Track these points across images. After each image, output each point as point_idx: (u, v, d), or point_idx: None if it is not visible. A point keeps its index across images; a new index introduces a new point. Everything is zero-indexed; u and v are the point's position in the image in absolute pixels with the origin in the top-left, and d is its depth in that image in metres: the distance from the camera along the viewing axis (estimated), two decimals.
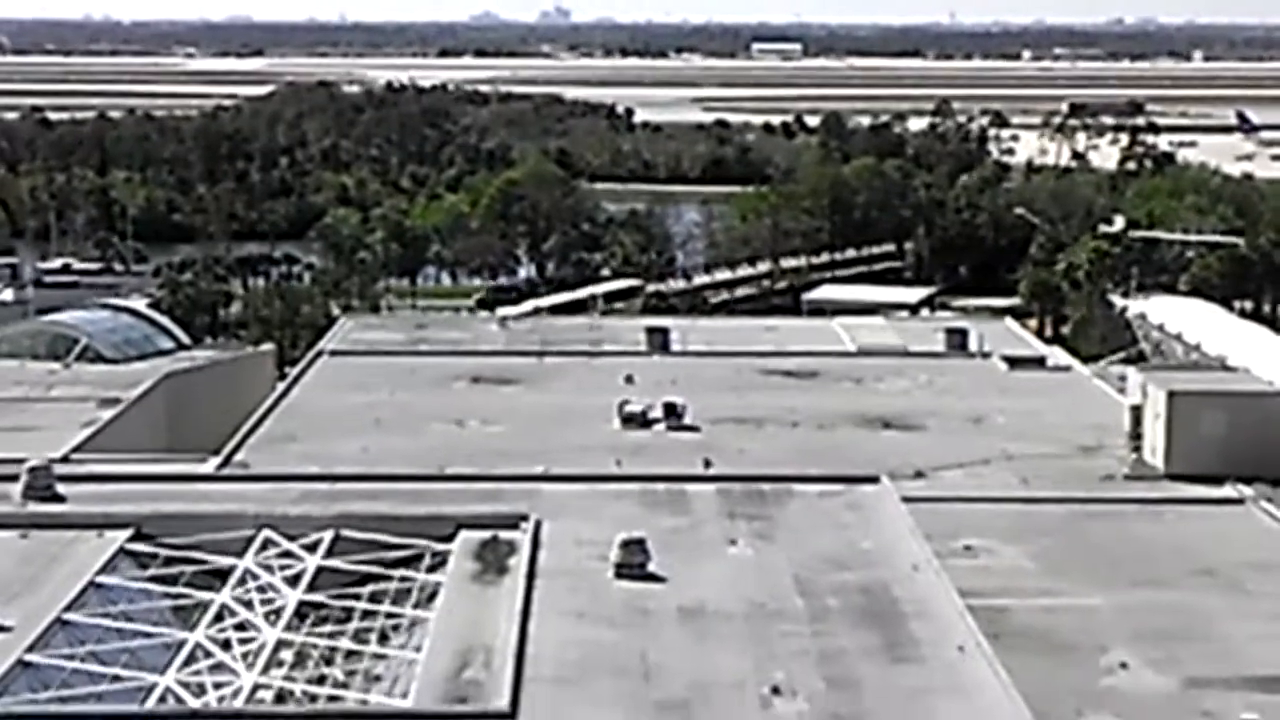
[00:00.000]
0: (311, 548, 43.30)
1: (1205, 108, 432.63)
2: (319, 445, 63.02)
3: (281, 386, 76.55)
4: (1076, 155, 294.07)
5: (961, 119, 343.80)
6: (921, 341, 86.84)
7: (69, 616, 38.84)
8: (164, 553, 43.55)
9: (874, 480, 49.08)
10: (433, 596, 40.22)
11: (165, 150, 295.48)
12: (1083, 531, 53.86)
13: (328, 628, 39.19)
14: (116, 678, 35.99)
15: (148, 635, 38.54)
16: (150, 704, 34.76)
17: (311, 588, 41.14)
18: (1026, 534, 52.79)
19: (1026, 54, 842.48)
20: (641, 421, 66.81)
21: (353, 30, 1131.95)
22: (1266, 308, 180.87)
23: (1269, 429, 60.30)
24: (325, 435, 65.24)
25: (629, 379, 74.47)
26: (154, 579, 42.42)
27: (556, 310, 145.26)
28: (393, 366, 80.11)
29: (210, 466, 57.56)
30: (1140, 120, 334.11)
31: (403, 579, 41.74)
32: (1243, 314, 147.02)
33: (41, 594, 39.90)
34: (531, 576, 40.43)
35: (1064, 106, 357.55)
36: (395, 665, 36.76)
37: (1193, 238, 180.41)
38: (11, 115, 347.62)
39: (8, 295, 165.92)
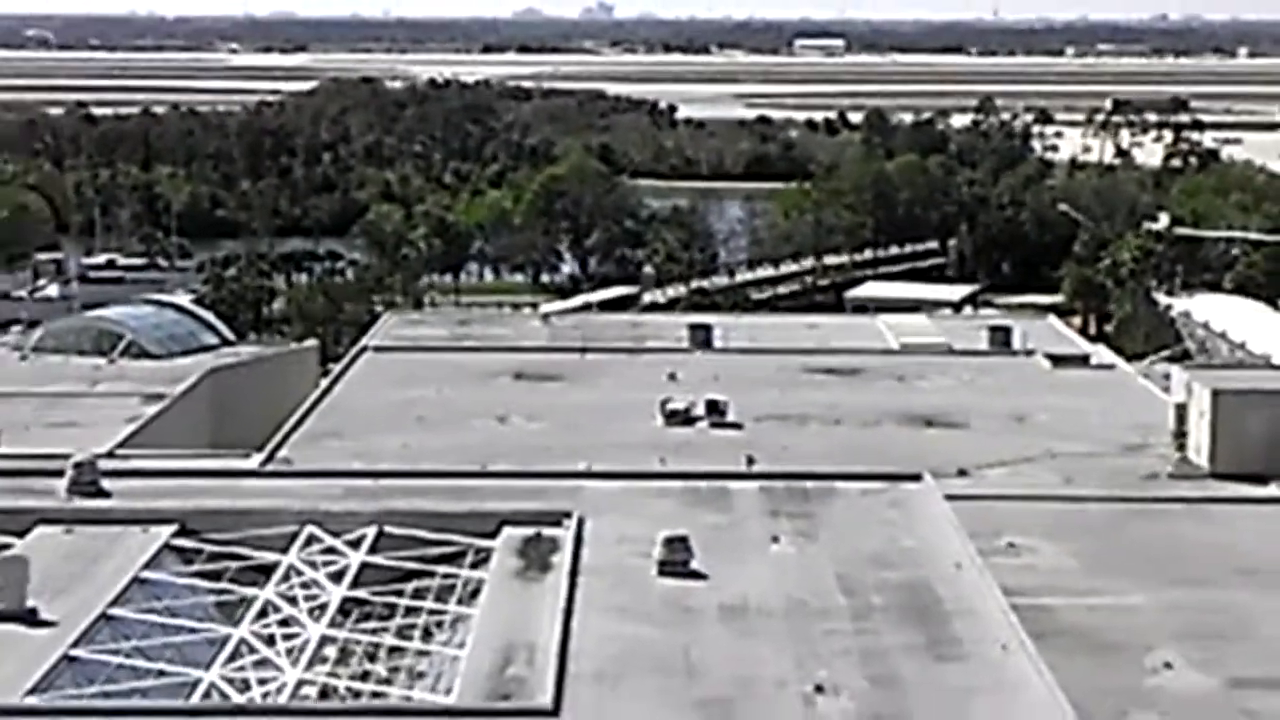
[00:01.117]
0: (355, 544, 43.45)
1: (1250, 105, 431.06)
2: (362, 442, 63.14)
3: (325, 383, 76.71)
4: (1120, 152, 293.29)
5: (1005, 116, 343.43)
6: (964, 339, 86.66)
7: (114, 612, 39.04)
8: (208, 548, 43.77)
9: (917, 478, 49.07)
10: (476, 593, 40.32)
11: (209, 146, 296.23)
12: (1126, 530, 53.73)
13: (371, 624, 39.32)
14: (161, 673, 36.16)
15: (192, 631, 38.73)
16: (195, 699, 34.93)
17: (355, 584, 41.30)
18: (1070, 533, 52.68)
19: (1070, 50, 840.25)
20: (684, 419, 66.78)
21: (396, 26, 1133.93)
22: None
23: None
24: (368, 431, 65.38)
25: (672, 376, 74.51)
26: (198, 574, 42.61)
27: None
28: (436, 363, 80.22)
29: (254, 462, 57.68)
30: (1185, 117, 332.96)
31: (446, 575, 41.86)
32: None
33: (87, 589, 40.11)
34: (574, 573, 40.50)
35: (1108, 103, 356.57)
36: (439, 662, 36.87)
37: (1238, 235, 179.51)
38: (56, 111, 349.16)
39: (53, 291, 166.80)
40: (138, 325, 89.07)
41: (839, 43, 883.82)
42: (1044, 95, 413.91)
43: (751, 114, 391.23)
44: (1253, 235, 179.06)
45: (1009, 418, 69.21)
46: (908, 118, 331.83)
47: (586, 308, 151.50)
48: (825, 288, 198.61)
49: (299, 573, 41.93)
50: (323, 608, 39.82)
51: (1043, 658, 35.20)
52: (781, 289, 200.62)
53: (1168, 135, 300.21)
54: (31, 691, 34.42)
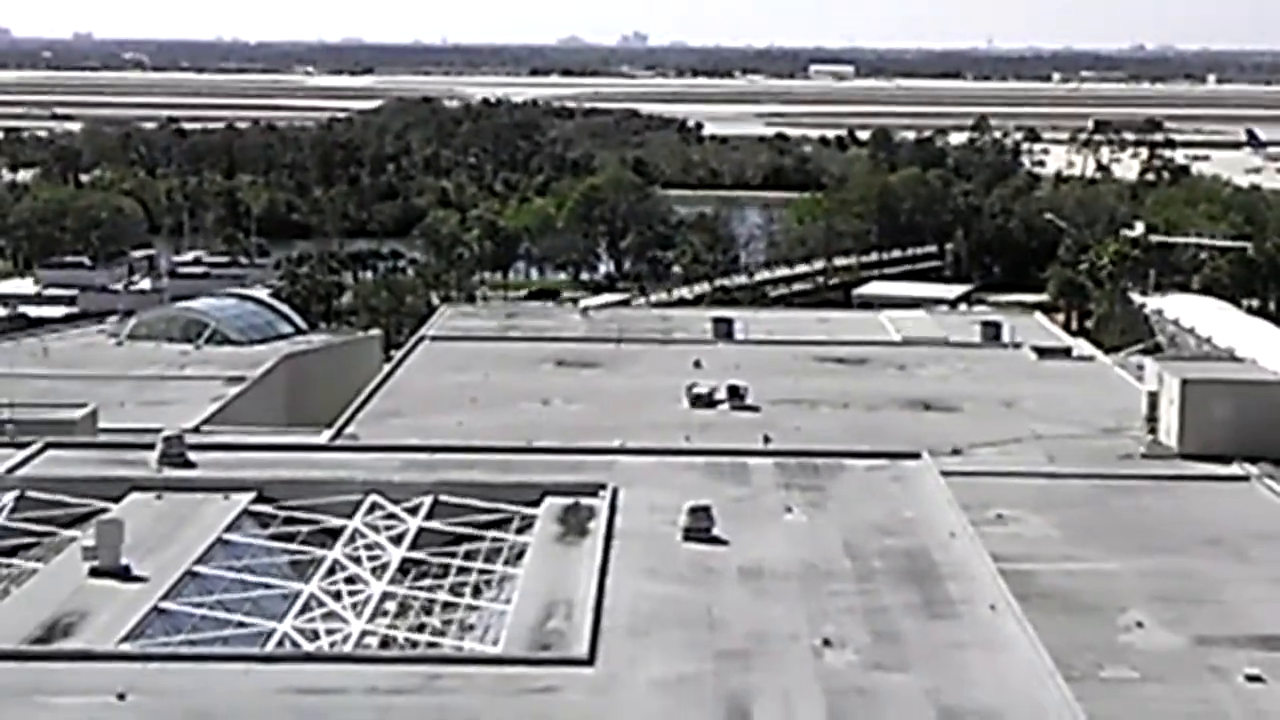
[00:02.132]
0: (413, 511, 43.53)
1: (1218, 125, 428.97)
2: (420, 420, 63.25)
3: (387, 368, 76.85)
4: (1101, 167, 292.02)
5: (997, 134, 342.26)
6: (959, 333, 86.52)
7: (198, 569, 39.18)
8: (282, 513, 43.89)
9: (916, 456, 49.03)
10: (521, 555, 40.37)
11: (286, 157, 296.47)
12: (1103, 504, 53.64)
13: (427, 582, 39.39)
14: (240, 624, 36.26)
15: (267, 587, 38.82)
16: (270, 647, 35.01)
17: (413, 546, 41.38)
18: (1052, 506, 52.61)
19: (1056, 76, 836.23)
20: (708, 402, 66.79)
21: (453, 51, 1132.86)
22: (1272, 305, 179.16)
23: (1273, 414, 60.02)
24: (426, 411, 65.48)
25: (697, 364, 74.51)
26: (273, 536, 42.74)
27: None
28: (486, 351, 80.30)
29: (324, 438, 57.83)
30: (1158, 136, 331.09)
31: (494, 539, 41.92)
32: (1250, 311, 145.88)
33: (174, 549, 40.26)
34: (609, 538, 40.54)
35: (1090, 123, 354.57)
36: (487, 616, 36.91)
37: (1205, 242, 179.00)
38: (150, 125, 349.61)
39: (146, 284, 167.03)
40: (221, 315, 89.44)
41: (849, 68, 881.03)
42: (1032, 116, 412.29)
43: (770, 131, 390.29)
44: (1219, 242, 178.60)
45: (998, 403, 69.12)
46: (910, 135, 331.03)
47: (582, 312, 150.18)
48: (834, 286, 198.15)
49: (363, 536, 42.02)
50: (384, 567, 39.90)
51: (1027, 617, 35.16)
52: (796, 287, 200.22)
53: (1143, 152, 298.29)
54: (125, 639, 34.55)
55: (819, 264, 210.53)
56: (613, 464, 47.55)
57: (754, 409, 66.26)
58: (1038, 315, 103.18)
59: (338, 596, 37.93)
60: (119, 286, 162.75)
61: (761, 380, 69.96)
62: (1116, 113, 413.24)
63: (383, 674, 32.13)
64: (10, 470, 46.82)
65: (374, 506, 43.87)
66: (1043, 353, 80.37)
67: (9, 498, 43.96)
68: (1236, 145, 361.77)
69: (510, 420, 63.65)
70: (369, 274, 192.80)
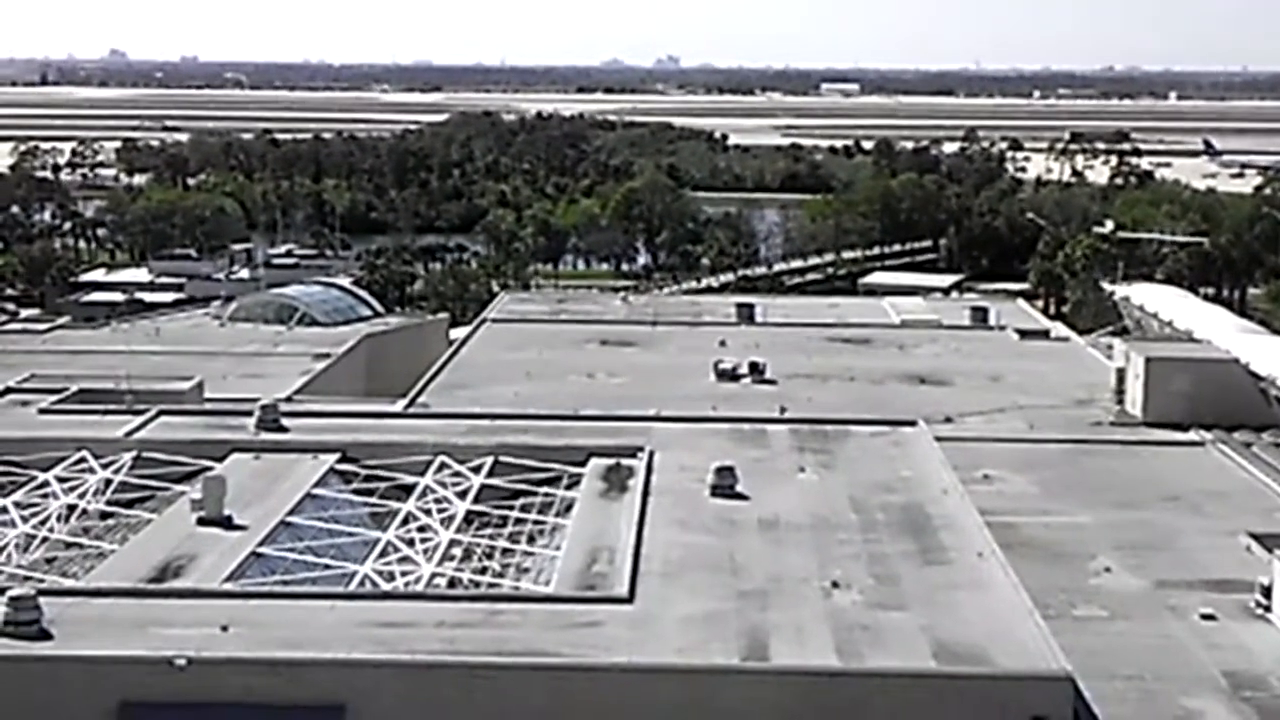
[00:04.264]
0: (476, 470, 43.59)
1: (1178, 136, 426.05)
2: (482, 391, 63.40)
3: (453, 346, 77.00)
4: (1075, 173, 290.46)
5: (985, 144, 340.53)
6: (951, 317, 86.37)
7: (291, 519, 39.30)
8: (363, 472, 43.98)
9: (912, 424, 48.93)
10: (569, 508, 40.43)
11: (365, 163, 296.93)
12: (1076, 465, 53.61)
13: (488, 531, 39.46)
14: (326, 566, 36.40)
15: (350, 534, 38.94)
16: (352, 587, 35.16)
17: (476, 500, 41.44)
18: (1032, 466, 52.61)
19: (1036, 93, 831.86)
20: (732, 376, 66.84)
21: (510, 72, 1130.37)
22: (1225, 293, 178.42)
23: (1224, 387, 60.05)
24: (487, 383, 65.64)
25: (722, 343, 74.52)
26: (356, 491, 42.83)
27: None
28: (540, 331, 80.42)
29: (399, 406, 57.98)
30: (1126, 146, 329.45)
31: (546, 495, 41.96)
32: (1206, 298, 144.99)
33: (270, 502, 40.40)
34: (646, 494, 40.55)
35: (1066, 135, 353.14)
36: (540, 560, 36.98)
37: (1166, 238, 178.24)
38: (248, 136, 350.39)
39: (244, 274, 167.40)
40: (309, 300, 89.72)
41: (855, 86, 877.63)
42: (1016, 128, 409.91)
43: (786, 141, 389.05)
44: (1178, 238, 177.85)
45: (985, 378, 69.00)
46: (908, 145, 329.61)
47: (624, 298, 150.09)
48: (842, 276, 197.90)
49: (432, 491, 42.09)
50: (450, 518, 39.98)
51: (1009, 563, 35.09)
52: (808, 277, 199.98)
53: (1113, 160, 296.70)
54: (227, 579, 34.73)
55: (829, 257, 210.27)
56: (649, 430, 47.55)
57: (772, 382, 66.28)
58: (1020, 301, 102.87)
59: (410, 543, 38.03)
60: (221, 276, 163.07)
61: (778, 357, 69.95)
62: (1089, 125, 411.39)
63: (449, 610, 32.21)
64: (129, 434, 47.05)
65: (442, 466, 43.94)
66: (1024, 334, 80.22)
67: (128, 458, 44.17)
68: (1194, 154, 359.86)
69: (560, 391, 63.76)
70: (437, 265, 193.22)
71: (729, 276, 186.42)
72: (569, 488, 42.28)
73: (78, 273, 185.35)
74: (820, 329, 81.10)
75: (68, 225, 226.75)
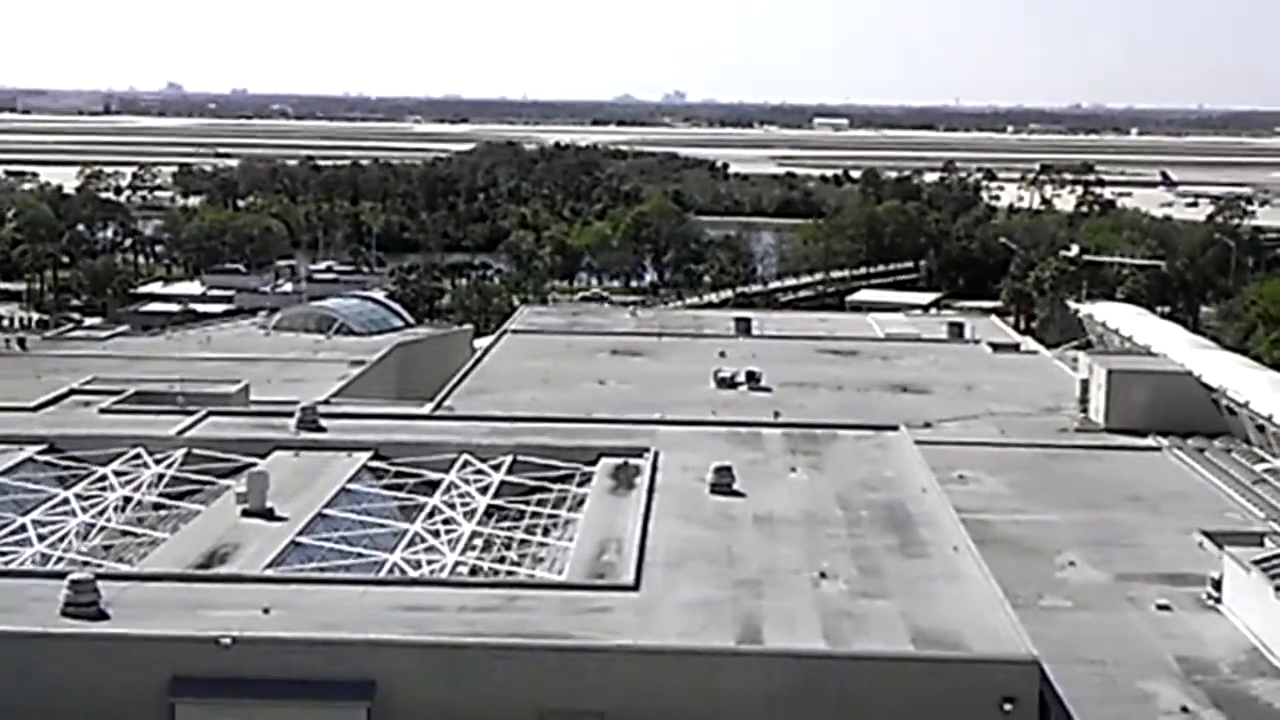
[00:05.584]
0: (496, 467, 43.59)
1: (1139, 169, 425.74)
2: (503, 396, 63.45)
3: (477, 355, 77.04)
4: (1044, 201, 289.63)
5: (962, 174, 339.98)
6: (930, 331, 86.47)
7: (327, 511, 39.32)
8: (393, 469, 44.00)
9: (894, 428, 48.90)
10: (581, 503, 40.41)
11: (399, 188, 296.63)
12: (1044, 468, 53.57)
13: (507, 524, 39.45)
14: (360, 555, 36.39)
15: (381, 526, 38.94)
16: (382, 574, 35.13)
17: (496, 495, 41.45)
18: (1003, 469, 52.56)
19: (1010, 128, 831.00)
20: (730, 384, 66.84)
21: (531, 105, 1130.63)
22: (1180, 312, 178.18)
23: (1179, 397, 60.07)
24: (507, 389, 65.66)
25: (722, 354, 74.52)
26: (386, 487, 42.86)
27: None
28: (556, 342, 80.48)
29: (427, 409, 58.00)
30: (1091, 176, 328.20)
31: (560, 491, 41.96)
32: (1163, 316, 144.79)
33: (309, 495, 40.41)
34: (651, 491, 40.55)
35: (1037, 166, 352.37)
36: (554, 551, 36.96)
37: (1127, 261, 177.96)
38: (292, 162, 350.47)
39: (288, 287, 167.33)
40: (347, 312, 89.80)
41: (845, 121, 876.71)
42: (991, 160, 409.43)
43: (781, 171, 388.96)
44: (1138, 261, 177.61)
45: (961, 387, 69.00)
46: (893, 174, 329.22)
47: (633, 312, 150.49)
48: (832, 294, 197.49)
49: (456, 487, 42.09)
50: (473, 512, 39.97)
51: (982, 556, 35.04)
52: (801, 294, 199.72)
53: (1079, 189, 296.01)
54: (269, 566, 34.73)
55: (819, 276, 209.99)
56: (654, 432, 47.56)
57: (767, 390, 66.32)
58: (993, 318, 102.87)
59: (436, 534, 38.03)
60: (267, 289, 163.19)
61: (773, 367, 69.97)
62: (1057, 158, 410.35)
63: (471, 595, 32.21)
64: (180, 432, 47.10)
65: (465, 464, 43.94)
66: (997, 347, 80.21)
67: (179, 454, 44.20)
68: (1153, 184, 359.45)
69: (574, 397, 63.79)
70: (463, 280, 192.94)
71: (728, 293, 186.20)
72: (581, 485, 42.26)
73: (137, 285, 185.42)
74: (811, 342, 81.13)
75: (128, 242, 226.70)
